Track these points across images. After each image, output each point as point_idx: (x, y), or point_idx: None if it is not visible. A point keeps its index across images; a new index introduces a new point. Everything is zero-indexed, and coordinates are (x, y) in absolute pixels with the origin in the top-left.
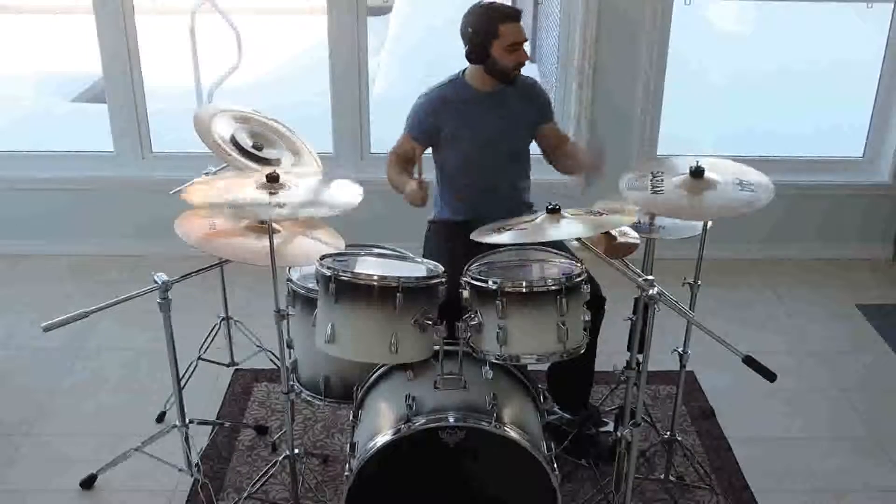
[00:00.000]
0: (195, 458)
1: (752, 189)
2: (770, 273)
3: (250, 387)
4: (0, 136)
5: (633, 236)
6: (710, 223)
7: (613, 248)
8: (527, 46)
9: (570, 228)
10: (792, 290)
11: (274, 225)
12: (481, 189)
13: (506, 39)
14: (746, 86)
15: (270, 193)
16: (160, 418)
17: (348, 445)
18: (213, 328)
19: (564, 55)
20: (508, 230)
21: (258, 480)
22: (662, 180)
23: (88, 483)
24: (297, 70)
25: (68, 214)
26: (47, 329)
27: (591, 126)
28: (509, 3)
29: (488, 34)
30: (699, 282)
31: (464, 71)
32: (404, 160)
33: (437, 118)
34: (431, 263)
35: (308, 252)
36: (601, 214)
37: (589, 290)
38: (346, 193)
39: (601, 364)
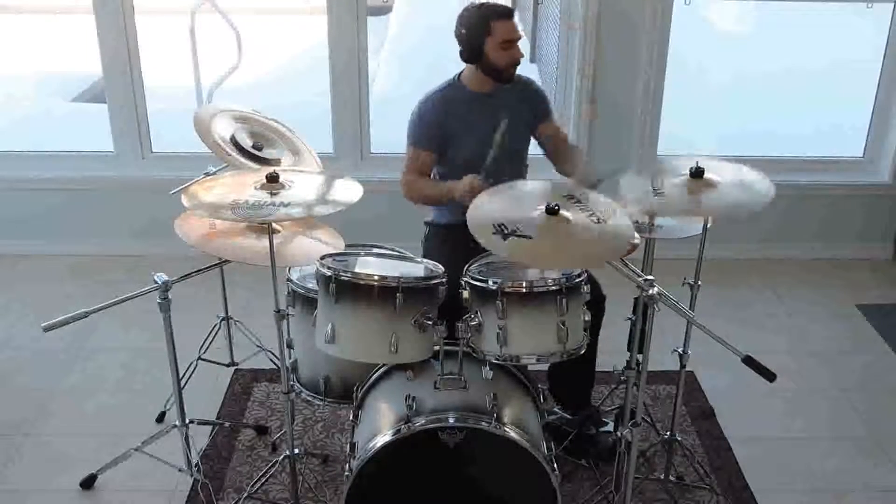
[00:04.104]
0: (195, 458)
1: (751, 188)
2: (770, 273)
3: (250, 387)
4: (0, 136)
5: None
6: (710, 223)
7: None
8: (524, 45)
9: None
10: (792, 290)
11: (274, 225)
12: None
13: (498, 36)
14: (746, 86)
15: (271, 194)
16: (160, 418)
17: (348, 445)
18: (213, 328)
19: (564, 55)
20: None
21: (258, 480)
22: (662, 181)
23: (88, 483)
24: (297, 70)
25: (68, 214)
26: (47, 329)
27: (591, 126)
28: (505, 3)
29: (481, 32)
30: (699, 282)
31: (459, 74)
32: (425, 174)
33: (439, 121)
34: (431, 263)
35: (308, 252)
36: (601, 222)
37: (589, 291)
38: (347, 191)
39: (601, 364)
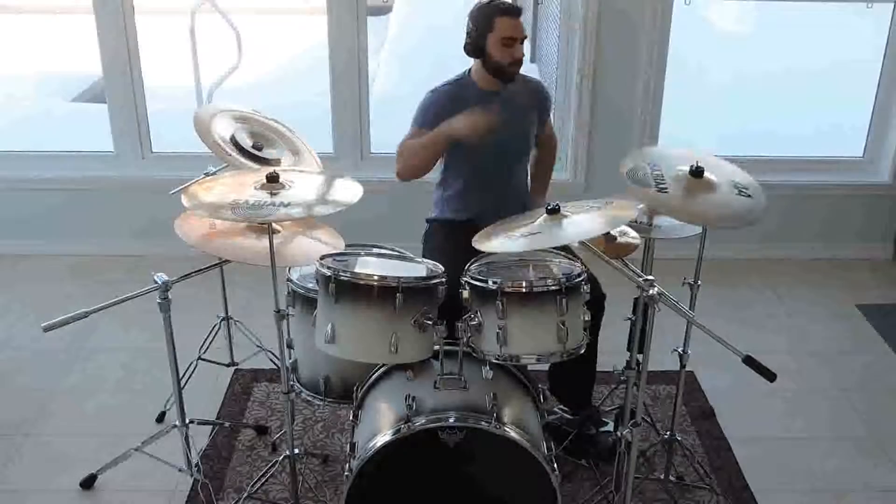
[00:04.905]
0: (195, 458)
1: (748, 194)
2: (770, 273)
3: (250, 387)
4: (0, 136)
5: (632, 236)
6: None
7: (613, 248)
8: (527, 46)
9: (574, 230)
10: (792, 290)
11: (274, 225)
12: (483, 188)
13: (500, 33)
14: (746, 86)
15: (271, 194)
16: (160, 418)
17: (348, 445)
18: (213, 328)
19: (564, 55)
20: (509, 234)
21: (258, 480)
22: (662, 174)
23: (88, 483)
24: (297, 70)
25: (68, 214)
26: (47, 329)
27: (591, 126)
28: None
29: (484, 27)
30: (699, 282)
31: (469, 70)
32: None
33: (444, 106)
34: (431, 263)
35: (308, 252)
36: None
37: (589, 290)
38: (347, 191)
39: (601, 364)
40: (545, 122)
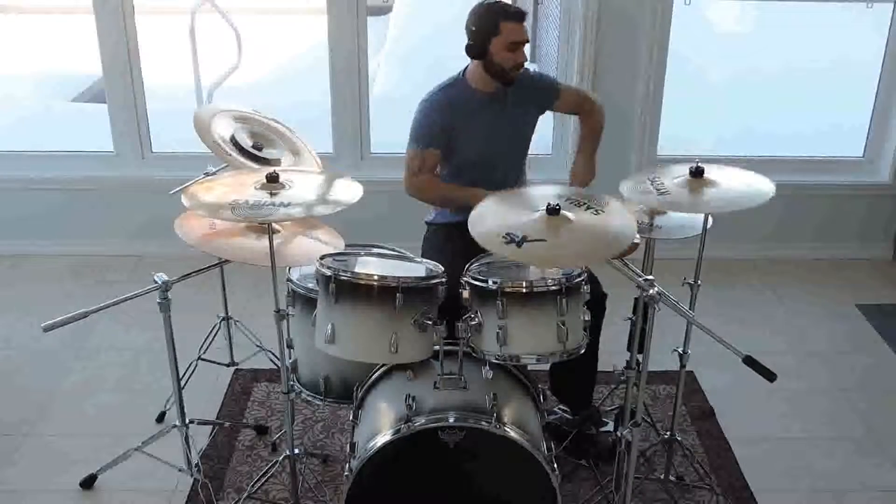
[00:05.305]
0: (195, 458)
1: (752, 184)
2: (770, 273)
3: (250, 387)
4: (0, 136)
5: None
6: (710, 222)
7: None
8: (527, 49)
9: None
10: (792, 290)
11: (274, 225)
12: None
13: (506, 37)
14: (746, 86)
15: (271, 194)
16: (160, 418)
17: (348, 445)
18: (213, 328)
19: (564, 55)
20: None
21: (258, 480)
22: (663, 182)
23: (88, 483)
24: (297, 70)
25: (68, 214)
26: (47, 329)
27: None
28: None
29: (489, 30)
30: (699, 282)
31: (464, 72)
32: (433, 173)
33: (444, 119)
34: (431, 263)
35: (308, 252)
36: (600, 213)
37: (589, 290)
38: (347, 191)
39: (601, 364)
40: (558, 98)
